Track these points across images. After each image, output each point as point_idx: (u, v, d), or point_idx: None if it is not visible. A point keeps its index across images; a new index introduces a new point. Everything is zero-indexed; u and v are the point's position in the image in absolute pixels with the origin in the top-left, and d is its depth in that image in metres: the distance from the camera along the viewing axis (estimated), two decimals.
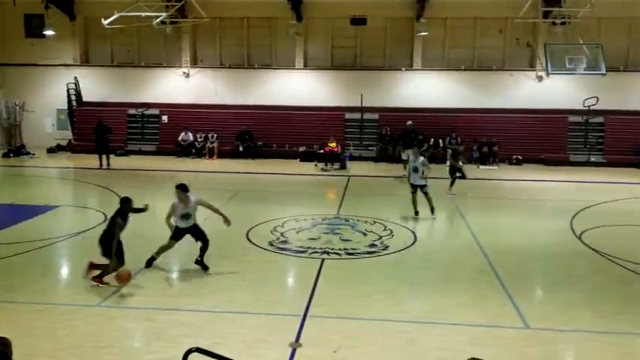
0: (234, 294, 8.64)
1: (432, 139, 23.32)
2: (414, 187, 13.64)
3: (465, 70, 24.37)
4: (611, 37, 22.78)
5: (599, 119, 23.29)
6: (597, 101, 22.15)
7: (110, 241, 8.60)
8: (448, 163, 16.82)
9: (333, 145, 21.98)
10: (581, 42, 21.46)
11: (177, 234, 9.59)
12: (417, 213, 13.68)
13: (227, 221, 9.66)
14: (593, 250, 11.31)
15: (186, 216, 9.47)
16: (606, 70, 21.46)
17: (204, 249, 9.56)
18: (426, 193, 13.54)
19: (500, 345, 7.16)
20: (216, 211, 9.76)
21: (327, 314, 8.03)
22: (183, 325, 7.50)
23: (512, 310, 8.27)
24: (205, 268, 9.52)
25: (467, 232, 12.65)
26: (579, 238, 12.17)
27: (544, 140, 22.09)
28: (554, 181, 18.66)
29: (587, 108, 22.48)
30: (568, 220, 13.61)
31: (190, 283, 9.31)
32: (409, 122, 21.22)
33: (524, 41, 24.15)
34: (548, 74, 22.32)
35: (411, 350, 7.01)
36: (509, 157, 22.63)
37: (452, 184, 16.62)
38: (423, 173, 13.40)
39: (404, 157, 20.22)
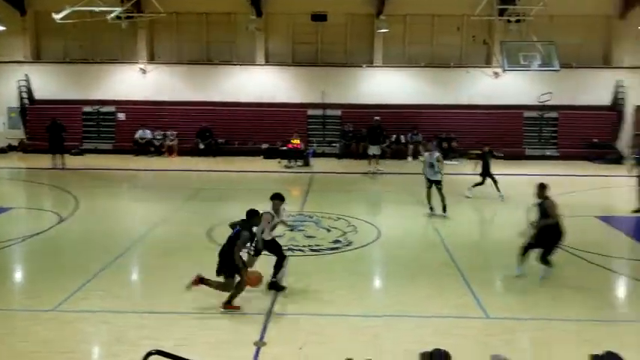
0: (197, 294, 8.51)
1: (394, 136, 23.52)
2: (430, 183, 13.60)
3: (424, 66, 24.67)
4: (564, 34, 23.41)
5: (553, 114, 23.95)
6: (551, 97, 22.77)
7: (231, 257, 7.83)
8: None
9: (297, 142, 21.95)
10: (535, 39, 22.00)
11: (261, 248, 8.65)
12: (431, 209, 13.62)
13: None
14: None
15: (274, 228, 8.86)
16: (560, 67, 22.07)
17: (278, 266, 8.65)
18: (439, 189, 13.47)
19: (463, 335, 7.30)
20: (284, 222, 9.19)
21: (292, 312, 8.03)
22: (143, 328, 7.37)
23: (473, 301, 8.45)
24: (280, 289, 8.59)
25: (429, 226, 12.83)
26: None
27: (501, 135, 22.54)
28: (511, 174, 19.07)
29: (541, 103, 23.08)
30: (524, 212, 13.94)
31: (151, 285, 9.16)
32: (376, 118, 21.36)
33: (481, 38, 24.60)
34: (504, 71, 22.81)
35: (376, 344, 7.07)
36: (467, 152, 23.03)
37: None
38: (438, 168, 13.40)
39: (369, 152, 20.36)
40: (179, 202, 15.17)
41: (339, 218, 13.17)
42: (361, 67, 24.82)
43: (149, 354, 4.77)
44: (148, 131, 24.09)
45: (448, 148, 22.95)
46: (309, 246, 11.10)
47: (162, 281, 9.14)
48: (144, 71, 25.17)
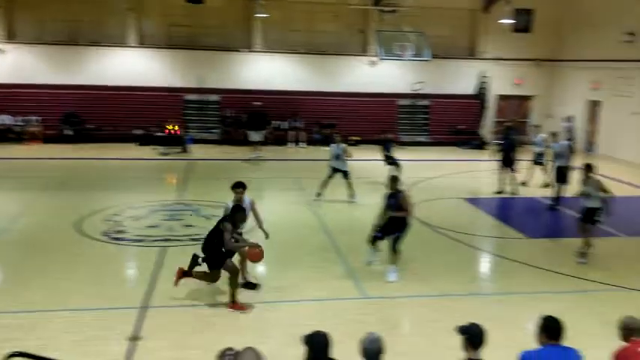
0: (65, 291, 7.95)
1: (277, 122, 23.47)
2: (334, 172, 13.73)
3: (304, 53, 24.83)
4: (434, 26, 24.65)
5: (425, 102, 25.23)
6: (423, 86, 23.95)
7: (217, 250, 7.52)
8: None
9: (174, 127, 21.18)
10: (408, 30, 22.97)
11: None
12: (319, 194, 13.72)
13: (266, 235, 8.59)
14: (422, 222, 12.24)
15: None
16: (430, 57, 23.24)
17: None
18: (347, 178, 13.66)
19: (341, 315, 7.51)
20: (260, 221, 8.71)
21: (171, 304, 7.74)
22: (6, 328, 6.74)
23: (352, 282, 8.68)
24: (253, 286, 8.34)
25: (310, 211, 12.98)
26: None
27: (378, 122, 23.32)
28: (367, 160, 19.86)
29: (414, 92, 24.20)
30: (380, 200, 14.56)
31: (15, 282, 8.40)
32: (256, 103, 21.13)
33: (357, 27, 25.21)
34: (380, 60, 23.58)
35: (256, 330, 7.03)
36: (348, 138, 23.59)
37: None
38: (340, 159, 13.62)
39: (251, 139, 20.15)
40: (43, 193, 14.04)
41: (220, 206, 12.87)
42: (240, 51, 24.45)
43: (10, 356, 4.41)
44: (8, 117, 22.04)
45: (329, 134, 23.34)
46: (189, 235, 10.78)
47: (27, 278, 8.42)
48: (2, 51, 22.94)
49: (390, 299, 8.15)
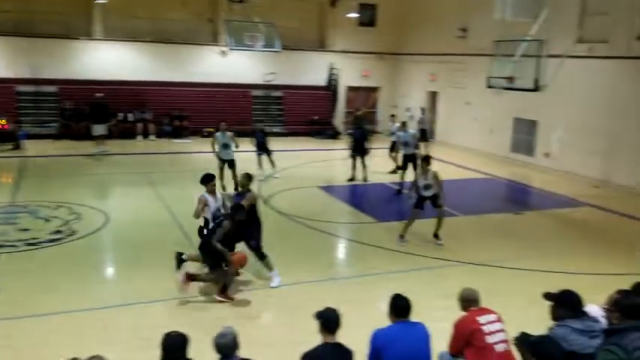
0: None
1: (122, 113, 22.18)
2: (223, 162, 13.65)
3: (150, 42, 23.69)
4: (284, 18, 24.87)
5: (278, 93, 25.41)
6: (275, 77, 24.08)
7: (212, 247, 7.45)
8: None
9: (2, 122, 19.13)
10: (258, 21, 22.93)
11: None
12: (224, 187, 13.29)
13: None
14: (278, 212, 12.33)
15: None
16: (281, 48, 23.42)
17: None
18: (233, 168, 13.61)
19: (198, 313, 7.30)
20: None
21: (6, 315, 6.96)
22: None
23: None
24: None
25: (162, 207, 12.45)
26: (266, 203, 13.12)
27: (232, 113, 23.03)
28: (243, 151, 19.68)
29: (267, 83, 24.26)
30: (256, 187, 14.52)
31: None
32: (99, 94, 19.72)
33: (207, 16, 24.63)
34: (230, 50, 23.28)
35: (107, 337, 6.60)
36: (201, 130, 23.06)
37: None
38: (228, 148, 13.64)
39: (94, 132, 18.82)
40: None
41: (60, 206, 11.91)
42: (79, 39, 22.70)
43: None
44: None
45: (180, 126, 22.63)
46: (24, 240, 9.80)
47: None
48: None
49: (248, 291, 8.08)
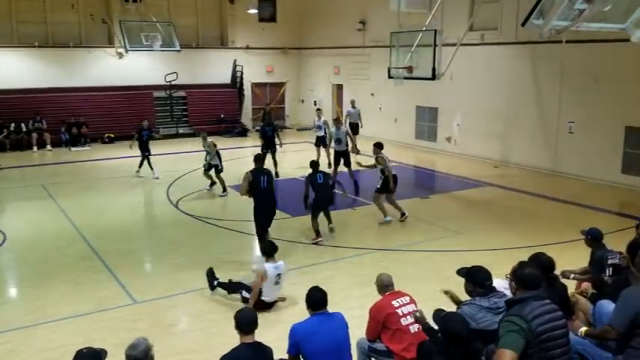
0: None
1: (13, 124, 20.70)
2: (209, 166, 13.91)
3: (39, 47, 22.27)
4: (182, 16, 24.27)
5: (181, 93, 24.73)
6: (177, 76, 23.43)
7: None
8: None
9: None
10: (155, 20, 22.23)
11: None
12: (224, 191, 13.76)
13: None
14: (189, 215, 12.02)
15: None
16: (181, 47, 22.85)
17: None
18: (217, 172, 13.90)
19: (111, 326, 6.96)
20: None
21: None
22: None
23: (119, 289, 8.12)
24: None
25: (64, 220, 11.76)
26: (176, 206, 12.76)
27: (134, 117, 22.17)
28: (129, 157, 19.05)
29: (168, 83, 23.57)
30: (164, 191, 14.11)
31: None
32: None
33: (100, 17, 23.52)
34: (126, 51, 22.42)
35: (17, 356, 6.14)
36: (101, 136, 22.04)
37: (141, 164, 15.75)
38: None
39: None
40: None
41: None
42: None
43: None
44: None
45: (78, 133, 21.49)
46: None
47: None
48: None
49: (161, 299, 7.80)
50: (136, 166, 15.81)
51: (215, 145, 14.04)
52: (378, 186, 11.14)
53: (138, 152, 15.60)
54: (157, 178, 15.36)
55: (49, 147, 20.72)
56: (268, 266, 7.13)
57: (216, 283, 7.87)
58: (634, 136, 13.97)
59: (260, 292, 7.15)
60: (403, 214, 11.36)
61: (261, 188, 8.92)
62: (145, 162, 15.58)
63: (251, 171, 9.09)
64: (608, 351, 4.61)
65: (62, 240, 10.49)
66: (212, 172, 14.00)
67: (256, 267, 7.32)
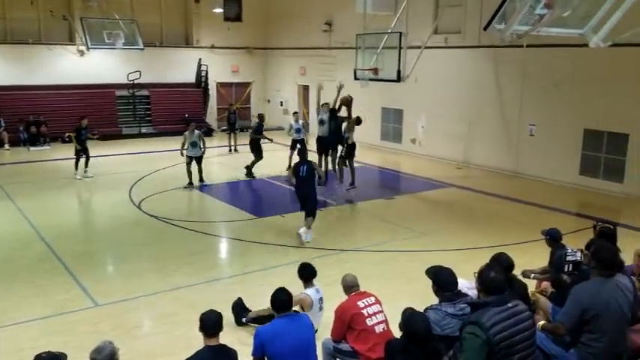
0: None
1: None
2: (190, 159, 14.19)
3: None
4: (145, 14, 23.88)
5: (145, 92, 24.33)
6: (140, 75, 23.05)
7: None
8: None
9: None
10: (117, 17, 21.82)
11: None
12: (190, 183, 14.21)
13: None
14: (152, 216, 11.83)
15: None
16: (144, 46, 22.48)
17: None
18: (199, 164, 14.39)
19: (72, 329, 6.82)
20: None
21: None
22: None
23: (80, 292, 7.94)
24: None
25: (22, 221, 11.42)
26: (139, 207, 12.55)
27: (95, 115, 21.69)
28: (110, 155, 18.69)
29: (131, 82, 23.16)
30: (126, 191, 13.86)
31: None
32: None
33: (61, 14, 22.94)
34: (88, 49, 21.95)
35: None
36: (62, 135, 21.50)
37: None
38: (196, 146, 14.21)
39: None
40: None
41: None
42: None
43: None
44: None
45: (37, 132, 20.93)
46: None
47: None
48: None
49: (123, 302, 7.66)
50: (94, 167, 15.48)
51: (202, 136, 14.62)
52: (342, 153, 13.53)
53: (87, 150, 15.22)
54: (79, 179, 15.07)
55: (7, 146, 20.11)
56: (310, 292, 6.32)
57: (244, 319, 6.80)
58: (592, 138, 14.38)
59: None
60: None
61: (300, 177, 10.00)
62: (82, 160, 15.20)
63: (295, 163, 10.56)
64: (561, 346, 4.73)
65: (21, 241, 10.21)
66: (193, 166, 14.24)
67: (300, 296, 6.25)
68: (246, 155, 16.26)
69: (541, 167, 15.50)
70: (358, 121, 13.66)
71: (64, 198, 13.72)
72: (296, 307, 5.96)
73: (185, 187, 14.12)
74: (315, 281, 6.43)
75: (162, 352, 6.34)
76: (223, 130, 18.11)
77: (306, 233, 10.04)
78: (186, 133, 14.38)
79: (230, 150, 19.52)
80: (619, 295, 4.39)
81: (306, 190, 10.11)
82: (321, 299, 6.35)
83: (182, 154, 14.35)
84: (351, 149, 13.69)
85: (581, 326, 4.40)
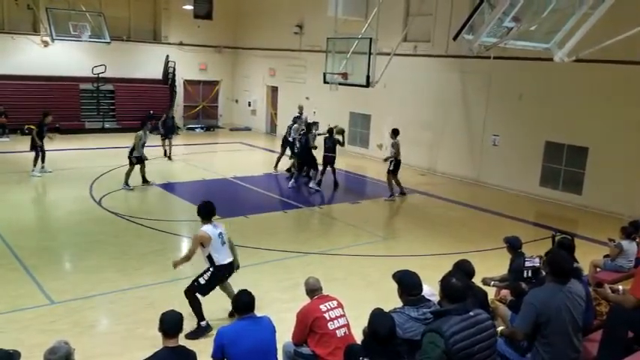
0: None
1: None
2: (138, 160, 13.81)
3: None
4: (112, 7, 23.43)
5: (109, 87, 23.86)
6: (106, 69, 22.60)
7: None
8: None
9: None
10: (84, 9, 21.36)
11: None
12: (146, 181, 14.04)
13: None
14: (112, 213, 11.60)
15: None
16: (111, 39, 22.06)
17: None
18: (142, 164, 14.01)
19: (26, 327, 6.61)
20: None
21: None
22: None
23: (35, 289, 7.72)
24: None
25: None
26: (99, 203, 12.29)
27: (58, 108, 21.13)
28: (71, 149, 18.26)
29: (96, 75, 22.68)
30: (87, 187, 13.56)
31: None
32: None
33: (25, 3, 22.32)
34: (52, 40, 21.41)
35: None
36: (21, 127, 20.88)
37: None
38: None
39: None
40: None
41: None
42: None
43: None
44: None
45: None
46: None
47: None
48: None
49: (81, 300, 7.47)
50: (55, 161, 15.09)
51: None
52: (391, 168, 13.99)
53: (43, 146, 14.80)
54: (36, 176, 14.62)
55: None
56: (206, 228, 6.58)
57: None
58: (553, 150, 14.75)
59: (212, 260, 6.68)
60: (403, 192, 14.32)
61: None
62: (39, 156, 14.77)
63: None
64: (518, 352, 4.83)
65: None
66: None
67: (198, 234, 6.60)
68: (211, 155, 16.06)
69: (503, 177, 15.81)
70: (397, 131, 14.32)
71: (22, 192, 13.34)
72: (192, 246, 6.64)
73: (143, 185, 13.94)
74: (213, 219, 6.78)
75: (119, 351, 6.21)
76: (158, 134, 17.86)
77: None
78: (141, 132, 13.80)
79: (165, 154, 18.45)
80: (570, 302, 4.49)
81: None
82: (220, 234, 6.65)
83: (132, 161, 13.64)
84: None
85: (536, 331, 4.49)
